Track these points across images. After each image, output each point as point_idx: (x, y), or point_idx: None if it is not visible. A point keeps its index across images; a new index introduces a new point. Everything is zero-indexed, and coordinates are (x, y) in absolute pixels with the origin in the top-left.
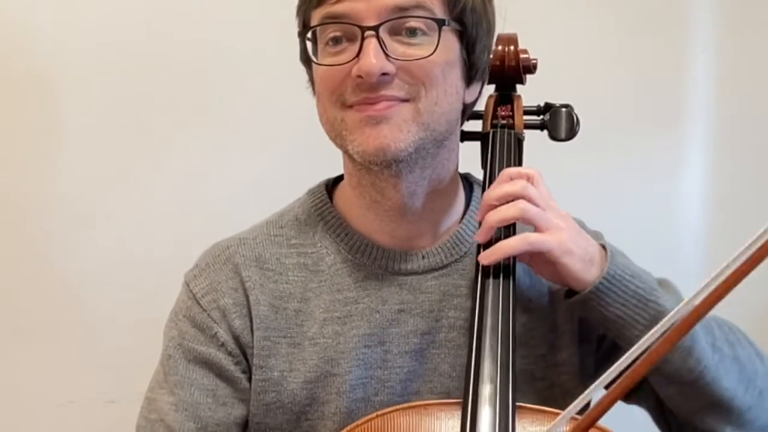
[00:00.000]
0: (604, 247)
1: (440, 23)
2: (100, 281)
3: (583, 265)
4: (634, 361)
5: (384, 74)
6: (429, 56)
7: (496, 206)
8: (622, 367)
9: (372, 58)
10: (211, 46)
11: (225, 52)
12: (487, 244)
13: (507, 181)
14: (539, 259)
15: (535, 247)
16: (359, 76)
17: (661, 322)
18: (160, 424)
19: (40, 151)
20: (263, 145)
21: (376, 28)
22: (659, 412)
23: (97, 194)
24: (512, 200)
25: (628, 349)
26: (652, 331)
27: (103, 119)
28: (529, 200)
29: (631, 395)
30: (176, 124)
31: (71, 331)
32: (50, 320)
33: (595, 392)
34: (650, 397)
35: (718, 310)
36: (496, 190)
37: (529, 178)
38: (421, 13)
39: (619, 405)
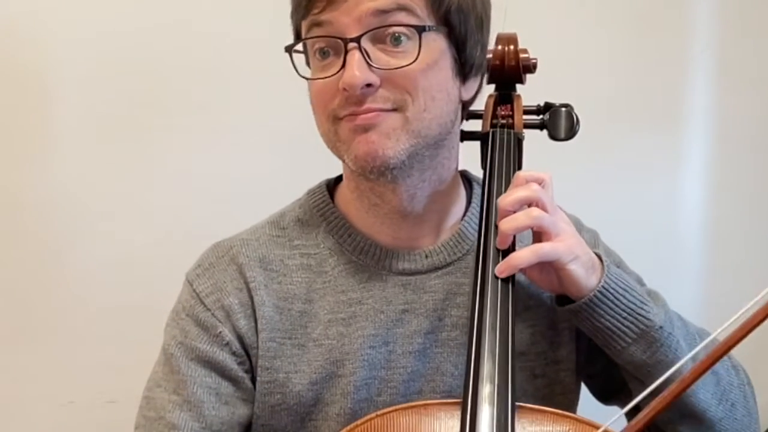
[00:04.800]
0: (598, 255)
1: (420, 30)
2: (101, 281)
3: (586, 271)
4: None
5: (368, 85)
6: (410, 64)
7: (511, 212)
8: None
9: (355, 71)
10: (211, 43)
11: (225, 49)
12: (485, 244)
13: (521, 185)
14: (542, 267)
15: (547, 257)
16: (344, 89)
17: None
18: (160, 422)
19: (39, 149)
20: (263, 144)
21: (357, 40)
22: (634, 414)
23: (97, 194)
24: (526, 204)
25: (613, 359)
26: (678, 364)
27: (102, 118)
28: (542, 207)
29: (611, 397)
30: (176, 122)
31: (71, 331)
32: (51, 320)
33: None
34: (628, 400)
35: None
36: (510, 196)
37: (540, 181)
38: (402, 16)
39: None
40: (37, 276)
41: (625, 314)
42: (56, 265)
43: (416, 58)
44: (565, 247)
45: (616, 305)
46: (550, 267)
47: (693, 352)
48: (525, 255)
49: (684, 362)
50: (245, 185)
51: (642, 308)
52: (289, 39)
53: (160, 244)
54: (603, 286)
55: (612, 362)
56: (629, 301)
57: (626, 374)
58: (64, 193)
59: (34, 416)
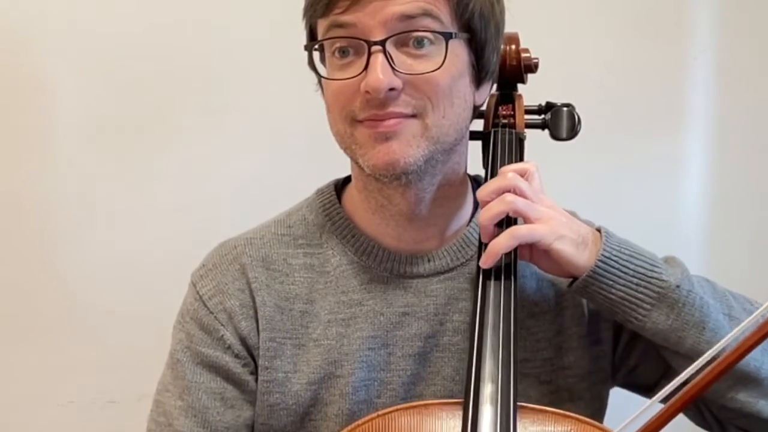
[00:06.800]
0: (600, 231)
1: (447, 36)
2: (100, 281)
3: (576, 248)
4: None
5: (391, 89)
6: (435, 71)
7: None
8: (679, 382)
9: (379, 74)
10: (211, 44)
11: (226, 50)
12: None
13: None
14: (536, 251)
15: (525, 239)
16: (367, 92)
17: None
18: (169, 428)
19: (39, 150)
20: (264, 145)
21: (382, 43)
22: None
23: (97, 194)
24: (503, 193)
25: (640, 333)
26: (714, 349)
27: (102, 118)
28: (520, 193)
29: (655, 385)
30: (176, 123)
31: (71, 331)
32: (50, 320)
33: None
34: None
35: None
36: (487, 188)
37: (524, 172)
38: (428, 22)
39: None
40: (37, 276)
41: (636, 280)
42: (56, 265)
43: (441, 65)
44: (546, 227)
45: (624, 272)
46: (543, 249)
47: (745, 322)
48: (503, 240)
49: (728, 340)
50: (246, 187)
51: (653, 270)
52: (290, 39)
53: (160, 245)
54: (603, 255)
55: (648, 349)
56: (637, 266)
57: (666, 353)
58: (63, 193)
59: (34, 416)
